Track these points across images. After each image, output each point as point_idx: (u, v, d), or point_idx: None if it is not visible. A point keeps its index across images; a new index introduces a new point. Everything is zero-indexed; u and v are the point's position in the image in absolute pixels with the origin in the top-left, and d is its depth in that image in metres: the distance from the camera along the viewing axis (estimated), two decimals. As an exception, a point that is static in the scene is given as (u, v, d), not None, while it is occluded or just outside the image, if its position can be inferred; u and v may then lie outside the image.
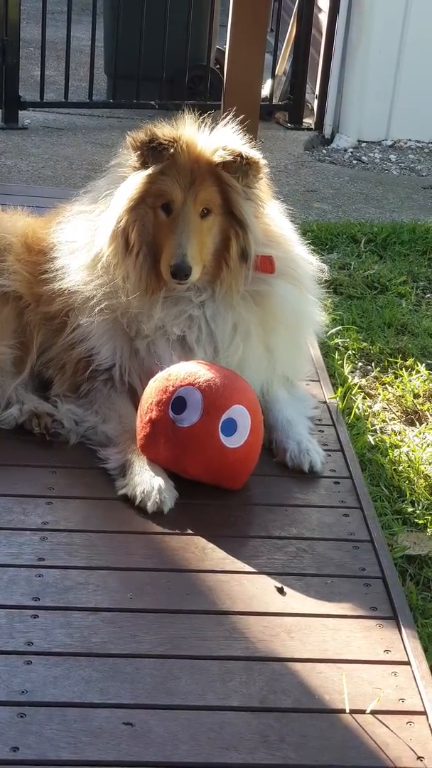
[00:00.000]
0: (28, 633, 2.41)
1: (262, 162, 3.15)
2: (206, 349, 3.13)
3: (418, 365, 4.77)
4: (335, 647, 2.45)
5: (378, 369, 4.77)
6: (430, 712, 2.28)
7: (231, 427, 2.91)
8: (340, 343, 4.90)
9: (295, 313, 3.27)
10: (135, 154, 3.12)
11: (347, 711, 2.27)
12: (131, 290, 3.11)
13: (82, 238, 3.26)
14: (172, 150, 3.05)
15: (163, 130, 3.11)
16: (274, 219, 3.29)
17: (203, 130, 3.17)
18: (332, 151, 8.47)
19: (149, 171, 3.08)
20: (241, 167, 3.07)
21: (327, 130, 8.63)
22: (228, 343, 3.14)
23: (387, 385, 4.64)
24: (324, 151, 8.46)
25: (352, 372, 4.70)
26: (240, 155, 3.06)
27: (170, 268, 3.02)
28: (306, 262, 3.35)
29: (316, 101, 8.77)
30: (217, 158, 3.07)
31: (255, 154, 3.12)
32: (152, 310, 3.11)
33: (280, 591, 2.63)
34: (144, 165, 3.10)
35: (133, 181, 3.11)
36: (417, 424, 4.37)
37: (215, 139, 3.14)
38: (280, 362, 3.30)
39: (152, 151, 3.06)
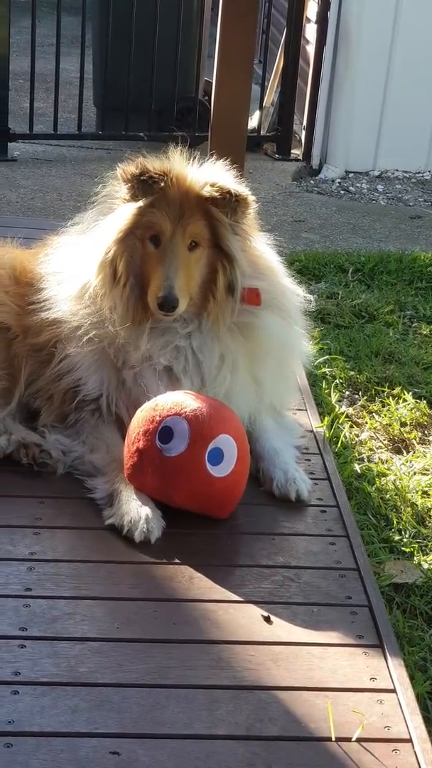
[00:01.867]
0: (15, 663, 2.41)
1: (251, 198, 3.18)
2: (193, 379, 3.16)
3: (405, 394, 4.80)
4: (321, 675, 2.46)
5: (365, 398, 4.80)
6: (416, 739, 2.29)
7: (217, 456, 2.93)
8: (327, 372, 4.93)
9: (282, 345, 3.30)
10: (125, 187, 3.15)
11: (333, 739, 2.27)
12: (118, 321, 3.13)
13: (70, 269, 3.29)
14: (162, 183, 3.08)
15: (154, 164, 3.14)
16: (261, 252, 3.32)
17: (193, 163, 3.21)
18: (320, 181, 8.53)
19: (139, 204, 3.11)
20: (229, 203, 3.10)
21: (315, 161, 8.70)
22: (215, 374, 3.16)
23: (374, 414, 4.66)
24: (312, 181, 8.52)
25: (339, 401, 4.72)
26: (229, 192, 3.09)
27: (157, 300, 3.04)
28: (292, 294, 3.38)
29: (303, 132, 8.84)
30: (206, 194, 3.10)
31: (243, 190, 3.15)
32: (139, 341, 3.13)
33: (267, 620, 2.64)
34: (134, 197, 3.13)
35: (122, 213, 3.14)
36: (404, 452, 4.39)
37: (205, 173, 3.18)
38: (268, 393, 3.32)
39: (142, 184, 3.09)
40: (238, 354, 3.19)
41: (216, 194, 3.09)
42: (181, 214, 3.09)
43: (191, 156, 3.22)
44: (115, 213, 3.17)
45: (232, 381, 3.18)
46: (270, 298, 3.26)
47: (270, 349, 3.26)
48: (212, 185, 3.11)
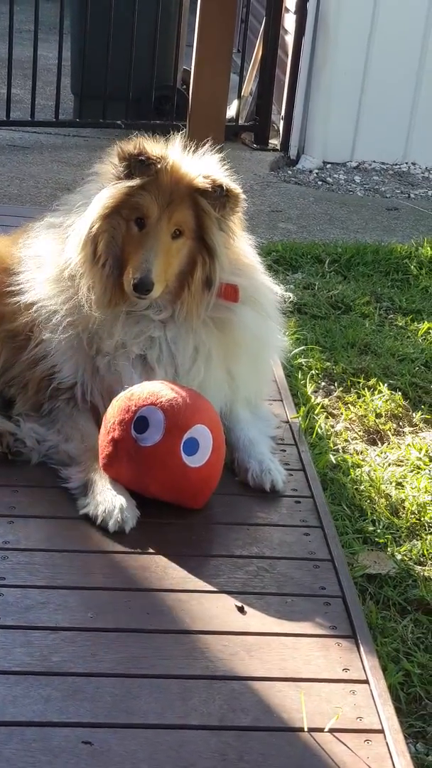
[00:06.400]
0: (-12, 652, 2.41)
1: (242, 196, 3.17)
2: (167, 369, 3.15)
3: (380, 385, 4.81)
4: (294, 666, 2.47)
5: (341, 389, 4.81)
6: (388, 730, 2.30)
7: (193, 446, 2.92)
8: (303, 363, 4.93)
9: (257, 340, 3.29)
10: (121, 165, 3.12)
11: (306, 729, 2.28)
12: (95, 301, 3.11)
13: (50, 252, 3.27)
14: (158, 166, 3.06)
15: (152, 146, 3.13)
16: (242, 249, 3.31)
17: (189, 153, 3.19)
18: (297, 172, 8.53)
19: (131, 183, 3.09)
20: (219, 197, 3.09)
21: (292, 151, 8.71)
22: (189, 365, 3.16)
23: (349, 405, 4.67)
24: (289, 171, 8.52)
25: (315, 391, 4.73)
26: (220, 186, 3.09)
27: (132, 281, 3.03)
28: (270, 291, 3.37)
29: (281, 122, 8.84)
30: (199, 184, 3.09)
31: (235, 187, 3.14)
32: (113, 328, 3.12)
33: (240, 610, 2.64)
34: (128, 177, 3.10)
35: (112, 190, 3.11)
36: (379, 443, 4.40)
37: (200, 164, 3.16)
38: (242, 387, 3.32)
39: (139, 164, 3.06)
40: (212, 347, 3.18)
41: (207, 186, 3.08)
42: (170, 201, 3.08)
43: (190, 145, 3.21)
44: (104, 189, 3.14)
45: (206, 373, 3.18)
46: (247, 295, 3.26)
47: (245, 344, 3.25)
48: (205, 177, 3.10)
